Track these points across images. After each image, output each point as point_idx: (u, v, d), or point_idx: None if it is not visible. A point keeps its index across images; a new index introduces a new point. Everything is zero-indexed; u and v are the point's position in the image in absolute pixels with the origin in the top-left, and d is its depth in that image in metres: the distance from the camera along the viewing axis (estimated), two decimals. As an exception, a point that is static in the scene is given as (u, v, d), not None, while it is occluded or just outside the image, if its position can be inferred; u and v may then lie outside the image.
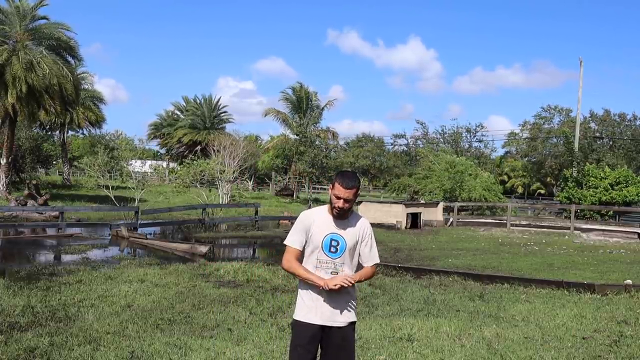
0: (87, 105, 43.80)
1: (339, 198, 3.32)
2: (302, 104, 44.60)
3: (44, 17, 28.45)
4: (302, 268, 3.39)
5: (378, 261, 3.55)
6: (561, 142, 48.55)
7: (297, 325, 3.40)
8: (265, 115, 46.42)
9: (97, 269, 10.21)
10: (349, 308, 3.40)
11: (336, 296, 3.32)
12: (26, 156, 34.66)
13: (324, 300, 3.33)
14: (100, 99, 46.17)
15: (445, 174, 30.26)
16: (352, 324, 3.44)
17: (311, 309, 3.34)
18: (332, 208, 3.39)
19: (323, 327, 3.34)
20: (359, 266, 3.51)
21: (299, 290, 3.45)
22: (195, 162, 27.15)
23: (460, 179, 29.53)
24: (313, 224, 3.40)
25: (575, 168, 33.76)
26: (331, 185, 3.40)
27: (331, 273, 3.35)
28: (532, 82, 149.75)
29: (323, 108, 45.64)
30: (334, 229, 3.39)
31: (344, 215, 3.40)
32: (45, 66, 26.00)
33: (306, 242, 3.41)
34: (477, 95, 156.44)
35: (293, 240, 3.42)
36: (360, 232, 3.45)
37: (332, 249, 3.35)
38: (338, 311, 3.35)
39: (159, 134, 66.09)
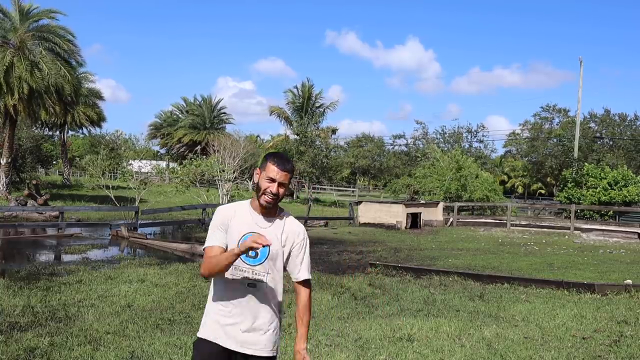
0: (88, 103, 43.86)
1: (273, 180, 2.63)
2: (304, 103, 44.65)
3: (52, 17, 28.35)
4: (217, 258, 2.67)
5: (310, 277, 2.78)
6: (559, 142, 48.59)
7: (198, 345, 2.72)
8: (271, 113, 46.73)
9: (97, 269, 10.21)
10: (269, 334, 2.71)
11: (255, 315, 2.67)
12: (26, 156, 34.67)
13: (238, 318, 2.67)
14: (100, 96, 46.20)
15: (449, 173, 30.09)
16: (268, 359, 2.71)
17: (219, 326, 2.68)
18: (258, 198, 2.68)
19: (230, 353, 2.67)
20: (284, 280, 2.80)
21: (208, 301, 2.81)
22: (195, 160, 27.12)
23: (465, 180, 29.48)
24: (232, 219, 2.70)
25: (574, 168, 33.75)
26: (258, 170, 2.71)
27: (248, 285, 2.66)
28: (530, 83, 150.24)
29: (326, 109, 45.70)
30: (255, 228, 2.68)
31: (273, 209, 2.72)
32: (45, 67, 26.00)
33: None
34: (476, 95, 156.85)
35: (212, 240, 2.71)
36: (289, 235, 2.75)
37: (251, 253, 2.62)
38: (253, 334, 2.67)
39: (159, 134, 66.23)
